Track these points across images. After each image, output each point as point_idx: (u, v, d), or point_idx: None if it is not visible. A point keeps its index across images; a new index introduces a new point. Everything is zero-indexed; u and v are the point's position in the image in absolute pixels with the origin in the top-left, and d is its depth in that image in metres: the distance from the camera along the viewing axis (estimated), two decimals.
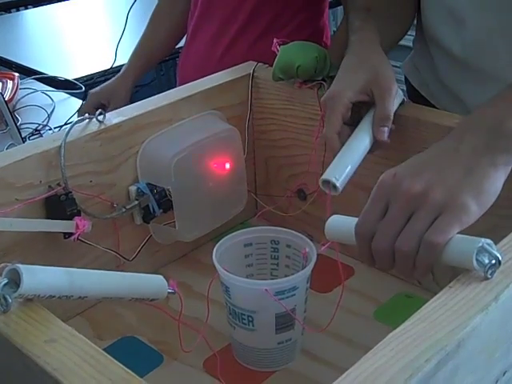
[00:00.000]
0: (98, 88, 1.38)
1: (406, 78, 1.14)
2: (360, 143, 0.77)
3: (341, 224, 0.68)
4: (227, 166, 0.94)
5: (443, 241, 0.57)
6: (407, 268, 0.60)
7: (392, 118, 0.78)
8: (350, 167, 0.74)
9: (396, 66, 1.09)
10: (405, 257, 0.59)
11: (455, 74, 0.98)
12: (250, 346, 0.78)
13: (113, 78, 1.41)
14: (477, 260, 0.55)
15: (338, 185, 0.72)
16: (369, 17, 0.90)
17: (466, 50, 0.93)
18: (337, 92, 0.79)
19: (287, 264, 0.82)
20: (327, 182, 0.73)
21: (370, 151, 0.78)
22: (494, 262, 0.54)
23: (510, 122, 0.63)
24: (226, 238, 0.80)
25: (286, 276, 0.78)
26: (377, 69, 0.80)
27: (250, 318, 0.75)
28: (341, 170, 0.73)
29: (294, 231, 0.80)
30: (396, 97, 0.81)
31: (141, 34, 1.43)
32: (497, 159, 0.62)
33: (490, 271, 0.54)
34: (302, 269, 0.75)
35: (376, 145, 0.78)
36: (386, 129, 0.77)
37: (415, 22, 1.05)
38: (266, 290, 0.72)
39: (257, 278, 0.83)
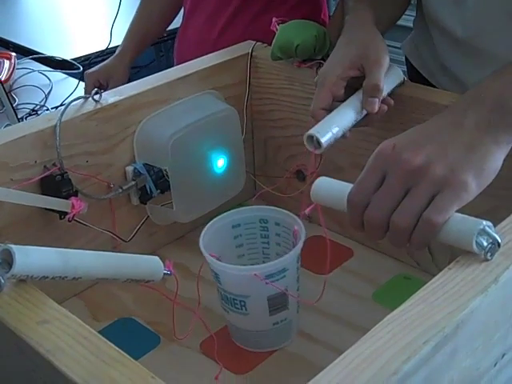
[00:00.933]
0: (94, 68, 1.37)
1: (406, 58, 1.13)
2: (349, 108, 0.76)
3: (329, 187, 0.66)
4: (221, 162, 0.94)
5: (443, 220, 0.56)
6: (401, 242, 0.59)
7: (382, 88, 0.76)
8: (336, 127, 0.73)
9: (396, 47, 1.08)
10: (401, 231, 0.57)
11: (455, 55, 0.97)
12: (245, 329, 0.78)
13: (110, 58, 1.39)
14: (476, 242, 0.54)
15: (322, 140, 0.71)
16: None
17: (467, 30, 0.92)
18: (326, 69, 0.79)
19: (278, 242, 0.81)
20: (311, 138, 0.72)
21: (363, 125, 0.77)
22: (493, 244, 0.53)
23: None
24: (212, 221, 0.79)
25: (277, 254, 0.78)
26: (366, 43, 0.79)
27: (243, 303, 0.74)
28: (326, 127, 0.73)
29: (282, 209, 0.79)
30: (391, 73, 0.80)
31: (133, 11, 1.42)
32: (500, 137, 0.60)
33: (489, 253, 0.53)
34: (294, 247, 0.75)
35: (368, 118, 0.77)
36: (375, 100, 0.76)
37: (415, 1, 1.03)
38: (255, 274, 0.71)
39: (248, 258, 0.83)
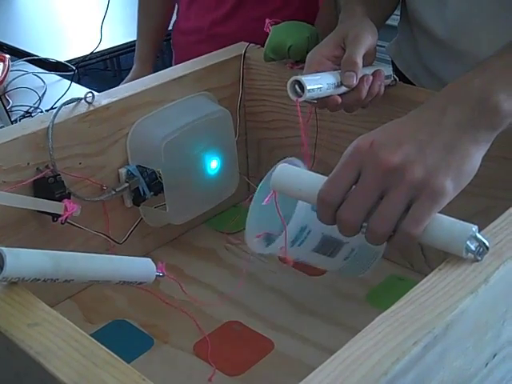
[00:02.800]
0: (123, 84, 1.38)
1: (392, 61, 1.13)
2: (335, 72, 0.77)
3: (292, 175, 0.62)
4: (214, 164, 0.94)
5: (421, 230, 0.55)
6: (378, 243, 0.57)
7: (357, 62, 0.76)
8: (320, 78, 0.74)
9: (384, 46, 1.08)
10: (378, 236, 0.56)
11: (438, 57, 0.97)
12: (331, 270, 0.81)
13: (131, 71, 1.43)
14: (465, 248, 0.53)
15: (306, 84, 0.71)
16: None
17: (448, 30, 0.92)
18: (313, 51, 0.81)
19: None
20: (294, 88, 0.73)
21: (348, 109, 0.78)
22: (481, 249, 0.53)
23: (497, 95, 0.60)
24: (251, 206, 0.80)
25: None
26: (351, 25, 0.81)
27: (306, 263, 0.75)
28: (310, 77, 0.74)
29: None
30: (380, 64, 0.81)
31: (125, 12, 1.44)
32: (480, 136, 0.59)
33: (478, 255, 0.53)
34: None
35: (353, 99, 0.77)
36: (351, 73, 0.75)
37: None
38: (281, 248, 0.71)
39: None
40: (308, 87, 0.71)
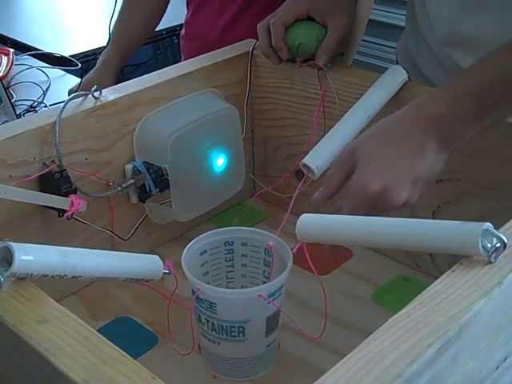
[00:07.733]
0: (76, 85, 1.28)
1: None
2: (347, 128, 0.78)
3: (313, 223, 0.65)
4: (220, 161, 0.93)
5: None
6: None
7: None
8: (330, 154, 0.76)
9: (391, 47, 1.06)
10: None
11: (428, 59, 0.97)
12: (240, 358, 0.74)
13: (93, 70, 1.28)
14: (481, 245, 0.53)
15: (316, 172, 0.75)
16: None
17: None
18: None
19: (244, 263, 0.79)
20: (307, 165, 0.75)
21: None
22: (498, 245, 0.52)
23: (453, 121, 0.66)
24: (186, 249, 0.73)
25: (242, 276, 0.78)
26: None
27: (241, 329, 0.71)
28: (322, 156, 0.76)
29: (250, 228, 0.78)
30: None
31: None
32: (441, 151, 0.66)
33: (493, 255, 0.52)
34: (265, 264, 0.75)
35: None
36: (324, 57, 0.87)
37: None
38: (259, 295, 0.68)
39: (213, 285, 0.76)
40: (317, 172, 0.75)
